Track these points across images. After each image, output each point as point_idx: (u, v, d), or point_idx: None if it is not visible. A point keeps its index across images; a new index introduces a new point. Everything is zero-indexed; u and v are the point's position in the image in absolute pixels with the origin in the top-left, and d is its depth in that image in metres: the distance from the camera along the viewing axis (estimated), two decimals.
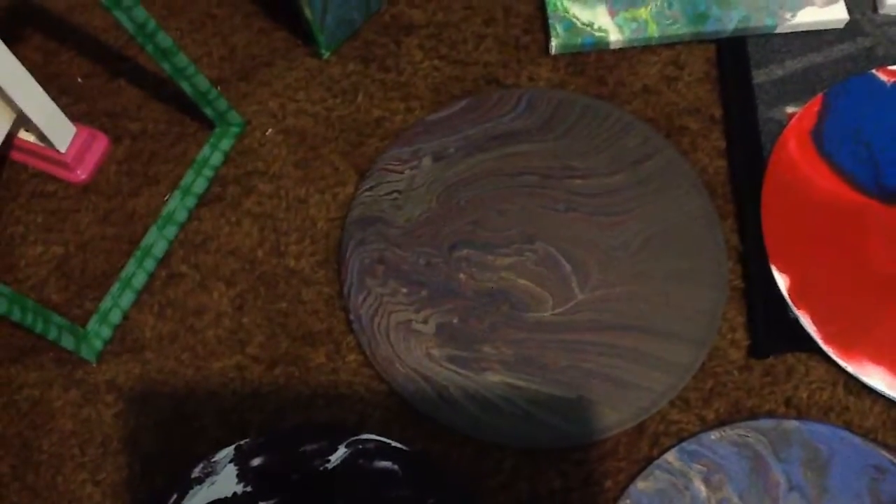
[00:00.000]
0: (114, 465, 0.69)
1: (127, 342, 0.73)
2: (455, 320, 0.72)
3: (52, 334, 0.69)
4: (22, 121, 0.77)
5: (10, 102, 0.73)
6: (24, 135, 0.80)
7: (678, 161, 0.77)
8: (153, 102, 0.84)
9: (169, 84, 0.84)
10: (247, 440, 0.68)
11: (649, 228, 0.74)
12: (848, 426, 0.67)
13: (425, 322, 0.72)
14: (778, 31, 0.81)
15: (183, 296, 0.75)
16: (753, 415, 0.68)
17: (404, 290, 0.73)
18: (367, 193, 0.77)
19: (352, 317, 0.72)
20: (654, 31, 0.82)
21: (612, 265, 0.73)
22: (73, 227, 0.79)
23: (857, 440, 0.66)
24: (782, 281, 0.70)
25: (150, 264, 0.75)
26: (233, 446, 0.68)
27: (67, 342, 0.70)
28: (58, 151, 0.79)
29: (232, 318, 0.74)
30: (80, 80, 0.85)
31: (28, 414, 0.71)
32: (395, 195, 0.77)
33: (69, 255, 0.78)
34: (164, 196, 0.79)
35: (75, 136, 0.79)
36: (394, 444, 0.68)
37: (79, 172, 0.80)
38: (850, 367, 0.68)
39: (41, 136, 0.78)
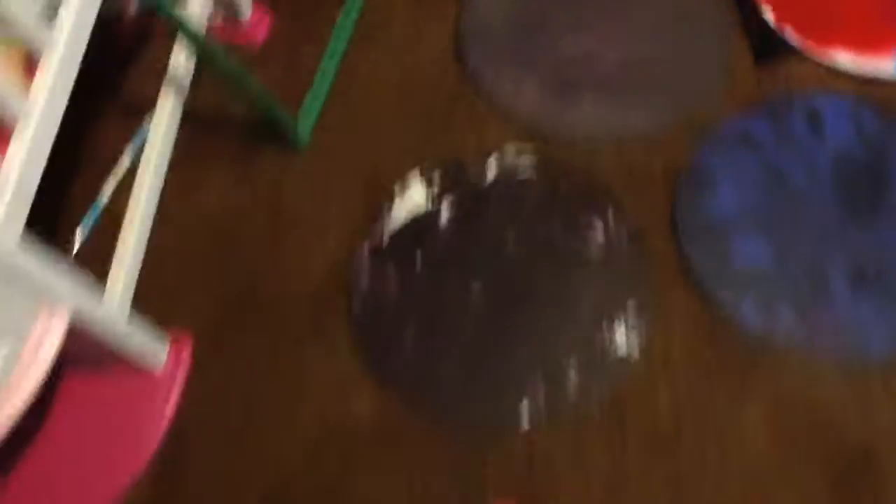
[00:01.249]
0: (338, 196, 0.99)
1: (326, 127, 1.04)
2: (554, 76, 1.03)
3: (285, 115, 0.99)
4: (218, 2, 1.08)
5: None
6: None
7: None
8: None
9: None
10: (425, 163, 0.98)
11: None
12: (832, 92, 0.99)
13: (532, 79, 1.03)
14: None
15: (357, 97, 1.06)
16: (766, 99, 0.99)
17: (514, 64, 1.04)
18: (470, 13, 1.09)
19: (478, 86, 1.03)
20: None
21: (654, 21, 1.06)
22: (262, 71, 1.09)
23: (839, 97, 0.98)
24: (767, 9, 1.02)
25: (326, 82, 1.06)
26: (416, 168, 0.98)
27: (294, 123, 1.00)
28: (241, 21, 1.10)
29: (396, 101, 1.05)
30: None
31: (265, 190, 1.01)
32: (493, 12, 1.09)
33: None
34: (320, 48, 1.10)
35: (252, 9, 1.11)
36: (526, 161, 0.98)
37: (258, 34, 1.11)
38: (825, 58, 1.00)
39: (232, 10, 1.09)
